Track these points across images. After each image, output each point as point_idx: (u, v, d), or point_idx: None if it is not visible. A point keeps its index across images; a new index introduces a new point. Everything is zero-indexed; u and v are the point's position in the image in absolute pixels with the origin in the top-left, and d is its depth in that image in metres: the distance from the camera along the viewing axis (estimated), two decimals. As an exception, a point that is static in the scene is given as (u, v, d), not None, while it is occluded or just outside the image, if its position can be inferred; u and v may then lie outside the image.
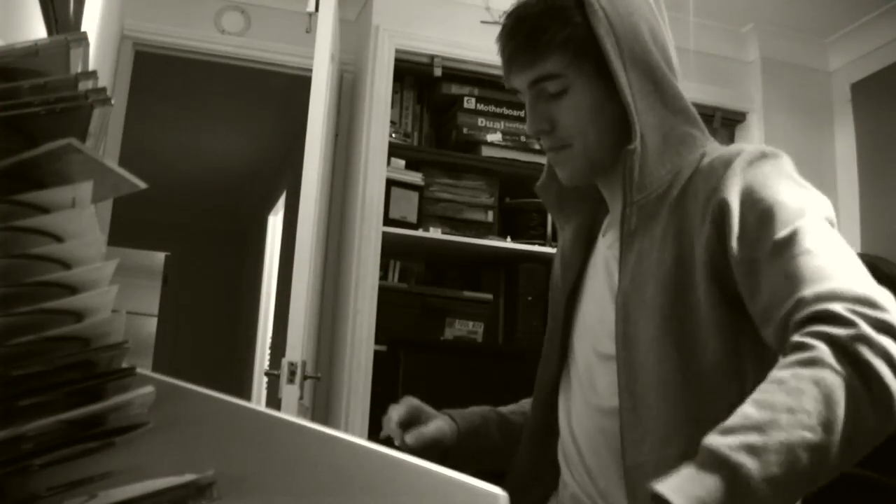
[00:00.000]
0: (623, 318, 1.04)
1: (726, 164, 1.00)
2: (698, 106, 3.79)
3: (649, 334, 0.99)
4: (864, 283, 0.84)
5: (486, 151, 3.08)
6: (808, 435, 0.73)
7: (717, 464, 0.72)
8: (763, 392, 0.77)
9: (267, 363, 5.14)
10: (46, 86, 0.49)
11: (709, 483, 0.71)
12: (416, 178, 3.01)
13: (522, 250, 3.01)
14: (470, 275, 3.23)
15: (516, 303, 2.98)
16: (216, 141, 5.49)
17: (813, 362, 0.77)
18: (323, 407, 2.99)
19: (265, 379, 5.12)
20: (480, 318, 3.03)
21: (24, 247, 0.45)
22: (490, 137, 3.09)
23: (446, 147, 3.17)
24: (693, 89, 3.36)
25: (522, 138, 3.09)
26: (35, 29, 1.25)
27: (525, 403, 1.34)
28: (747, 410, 0.76)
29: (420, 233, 2.95)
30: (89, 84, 0.50)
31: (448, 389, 2.56)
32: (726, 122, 3.45)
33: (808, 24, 3.47)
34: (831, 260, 0.86)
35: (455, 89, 3.10)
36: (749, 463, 0.71)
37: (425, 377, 2.65)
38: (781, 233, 0.90)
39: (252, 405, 0.54)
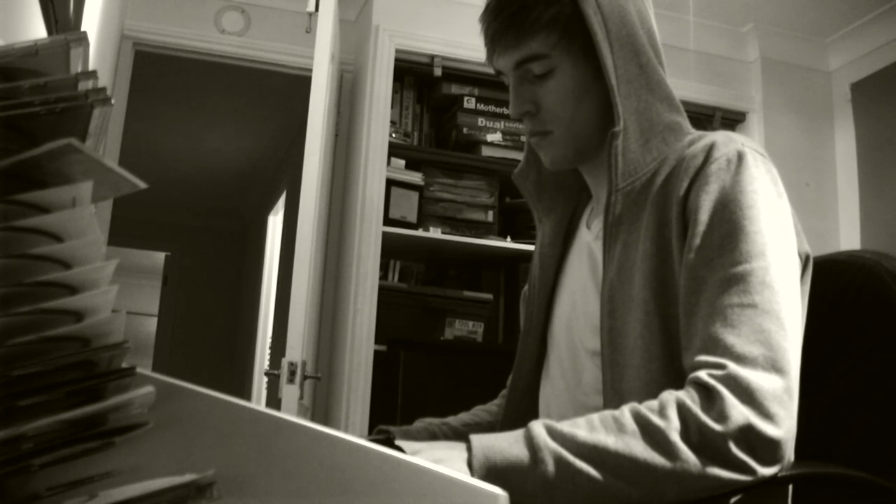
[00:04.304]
0: (609, 312, 1.00)
1: (704, 160, 0.96)
2: (698, 106, 3.78)
3: (635, 331, 0.97)
4: (776, 365, 0.84)
5: (486, 151, 3.08)
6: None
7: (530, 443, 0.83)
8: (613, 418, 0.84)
9: (267, 363, 5.14)
10: (46, 86, 0.49)
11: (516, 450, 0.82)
12: (416, 178, 3.01)
13: (522, 250, 3.01)
14: (470, 275, 3.23)
15: (516, 303, 2.98)
16: (216, 141, 5.50)
17: (665, 418, 0.82)
18: (323, 407, 3.00)
19: (265, 379, 5.12)
20: (480, 318, 3.03)
21: (24, 247, 0.45)
22: (490, 137, 3.09)
23: (446, 147, 3.17)
24: (693, 89, 3.37)
25: (522, 138, 3.09)
26: (35, 29, 1.25)
27: (478, 411, 1.30)
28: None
29: (420, 233, 2.95)
30: (89, 84, 0.50)
31: (448, 389, 2.57)
32: (726, 122, 3.45)
33: (808, 24, 3.47)
34: (764, 326, 0.86)
35: (455, 89, 3.11)
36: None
37: (425, 377, 2.65)
38: (737, 268, 0.89)
39: (252, 405, 0.54)
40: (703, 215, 0.93)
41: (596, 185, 1.15)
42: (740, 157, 0.95)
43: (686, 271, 0.93)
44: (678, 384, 0.88)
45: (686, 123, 1.08)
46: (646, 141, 1.03)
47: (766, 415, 0.81)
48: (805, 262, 1.00)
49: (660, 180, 1.01)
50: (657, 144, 1.03)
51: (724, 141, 0.98)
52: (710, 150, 0.97)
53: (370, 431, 1.28)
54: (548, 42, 1.03)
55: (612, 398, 0.97)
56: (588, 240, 1.14)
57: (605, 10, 1.02)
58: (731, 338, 0.85)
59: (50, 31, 1.30)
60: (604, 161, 1.06)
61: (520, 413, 1.18)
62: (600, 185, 1.13)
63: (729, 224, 0.91)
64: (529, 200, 1.25)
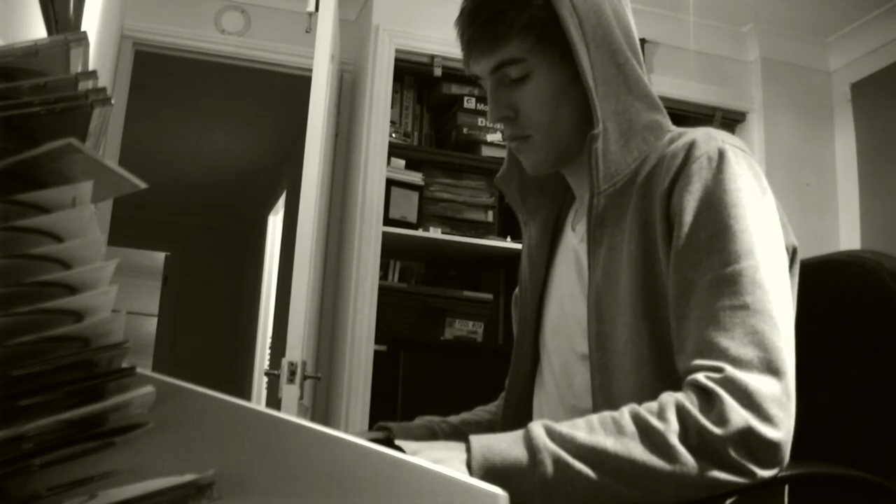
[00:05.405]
0: (596, 316, 1.00)
1: (685, 158, 0.95)
2: (698, 106, 3.78)
3: (624, 335, 0.96)
4: (772, 367, 0.84)
5: (486, 151, 3.08)
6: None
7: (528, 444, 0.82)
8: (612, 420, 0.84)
9: (267, 363, 5.14)
10: (46, 86, 0.49)
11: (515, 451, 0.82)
12: (416, 178, 3.01)
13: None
14: (470, 275, 3.23)
15: (516, 303, 2.98)
16: (216, 141, 5.50)
17: (664, 420, 0.82)
18: (323, 407, 3.00)
19: (265, 379, 5.12)
20: (480, 318, 3.03)
21: (24, 247, 0.45)
22: (490, 137, 3.09)
23: (446, 147, 3.17)
24: (693, 89, 3.37)
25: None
26: (35, 29, 1.25)
27: (479, 410, 1.29)
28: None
29: (420, 233, 2.95)
30: (89, 84, 0.50)
31: (448, 389, 2.57)
32: (726, 122, 3.45)
33: (808, 24, 3.47)
34: (757, 327, 0.86)
35: (455, 89, 3.11)
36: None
37: (425, 377, 2.65)
38: (726, 268, 0.88)
39: (252, 405, 0.54)
40: (688, 216, 0.92)
41: (579, 187, 1.14)
42: (721, 154, 0.94)
43: (674, 273, 0.92)
44: (669, 387, 0.87)
45: (666, 121, 1.06)
46: (626, 141, 1.02)
47: (765, 417, 0.81)
48: (792, 255, 0.99)
49: (640, 180, 1.00)
50: (637, 144, 1.02)
51: (705, 139, 0.97)
52: (690, 149, 0.96)
53: (370, 430, 1.27)
54: (523, 46, 1.02)
55: (602, 402, 0.97)
56: (573, 243, 1.13)
57: (580, 12, 1.01)
58: (726, 341, 0.85)
59: (50, 31, 1.30)
60: (585, 163, 1.05)
61: (517, 416, 1.18)
62: (583, 187, 1.11)
63: (715, 224, 0.91)
64: (513, 204, 1.24)
